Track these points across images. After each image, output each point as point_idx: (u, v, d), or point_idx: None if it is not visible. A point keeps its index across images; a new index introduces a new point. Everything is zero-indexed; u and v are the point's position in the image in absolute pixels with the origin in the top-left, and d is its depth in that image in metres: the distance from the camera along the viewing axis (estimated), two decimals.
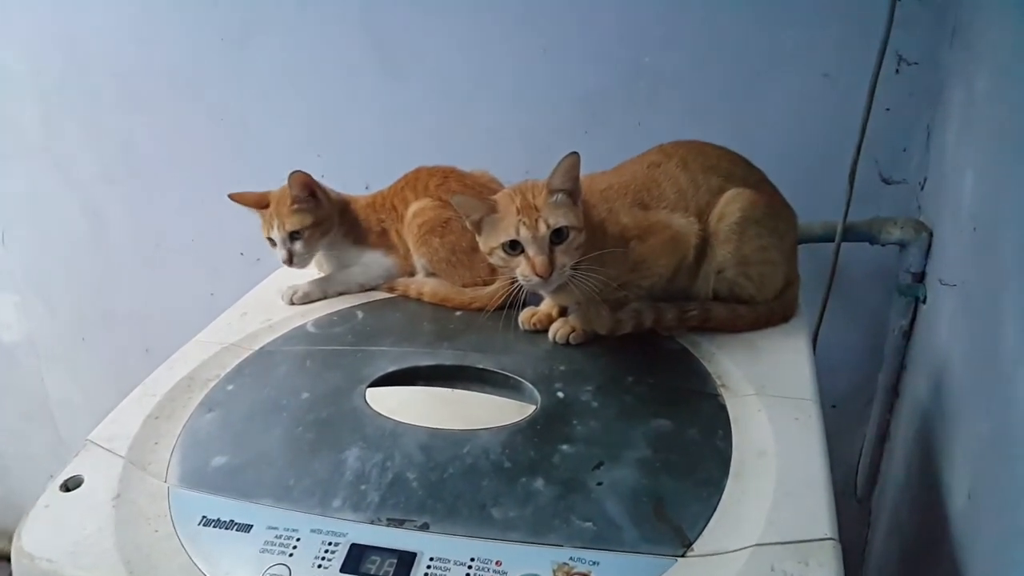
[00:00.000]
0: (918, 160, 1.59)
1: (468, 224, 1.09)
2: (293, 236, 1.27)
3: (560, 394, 1.03)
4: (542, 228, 1.02)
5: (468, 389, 1.06)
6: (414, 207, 1.30)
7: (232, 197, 1.28)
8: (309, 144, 1.95)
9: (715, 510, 0.84)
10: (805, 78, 1.61)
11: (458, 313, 1.27)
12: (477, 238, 1.10)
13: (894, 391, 1.73)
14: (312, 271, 1.40)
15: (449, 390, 1.05)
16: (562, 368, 1.09)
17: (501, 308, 1.24)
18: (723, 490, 0.88)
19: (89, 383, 2.47)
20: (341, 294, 1.34)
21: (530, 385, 1.05)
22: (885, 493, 1.79)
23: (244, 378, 1.10)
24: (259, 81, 1.91)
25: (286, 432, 0.98)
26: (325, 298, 1.32)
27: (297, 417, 1.00)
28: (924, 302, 1.56)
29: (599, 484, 0.88)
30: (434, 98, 1.82)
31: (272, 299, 1.32)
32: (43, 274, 2.32)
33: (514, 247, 1.04)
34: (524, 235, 1.02)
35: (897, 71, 1.50)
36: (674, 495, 0.87)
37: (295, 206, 1.27)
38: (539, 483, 0.88)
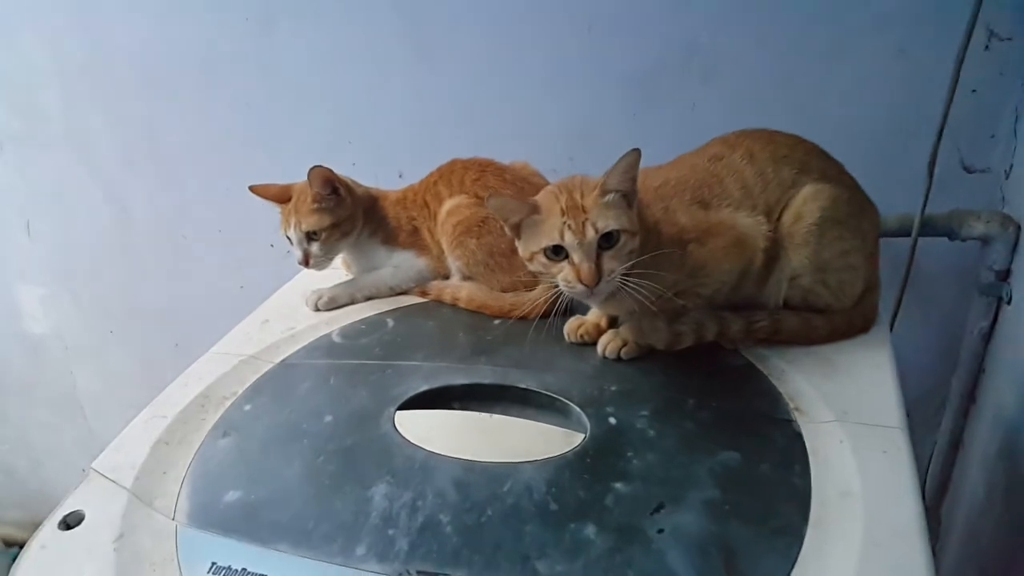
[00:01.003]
0: (1004, 146, 1.43)
1: (507, 228, 0.98)
2: (310, 237, 1.17)
3: (612, 420, 0.91)
4: (589, 232, 0.90)
5: (508, 414, 0.94)
6: (448, 204, 1.18)
7: (253, 190, 1.18)
8: (340, 131, 1.85)
9: (794, 565, 0.73)
10: (878, 55, 1.45)
11: (496, 321, 1.15)
12: (516, 243, 0.99)
13: (970, 397, 1.59)
14: (339, 272, 1.29)
15: (477, 414, 0.94)
16: (613, 388, 0.97)
17: (544, 316, 1.14)
18: (803, 539, 0.76)
19: (118, 377, 2.42)
20: (370, 298, 1.23)
21: (577, 409, 0.94)
22: (958, 506, 1.66)
23: (263, 397, 1.00)
24: (286, 65, 1.80)
25: (306, 463, 0.88)
26: (353, 303, 1.22)
27: (319, 445, 0.90)
28: (1009, 302, 1.41)
29: (660, 532, 0.77)
30: (469, 82, 1.71)
31: (296, 304, 1.22)
32: (69, 266, 2.27)
33: (557, 252, 0.93)
34: (569, 239, 0.90)
35: (987, 47, 1.33)
36: (747, 546, 0.75)
37: (315, 205, 1.17)
38: (590, 530, 0.77)
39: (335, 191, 1.19)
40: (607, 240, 0.91)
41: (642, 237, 0.94)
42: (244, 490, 0.85)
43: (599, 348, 1.04)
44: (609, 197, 0.91)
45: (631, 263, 0.92)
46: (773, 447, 0.88)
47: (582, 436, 0.89)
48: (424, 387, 0.99)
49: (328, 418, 0.94)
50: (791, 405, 0.95)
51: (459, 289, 1.20)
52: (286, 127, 1.87)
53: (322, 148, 1.86)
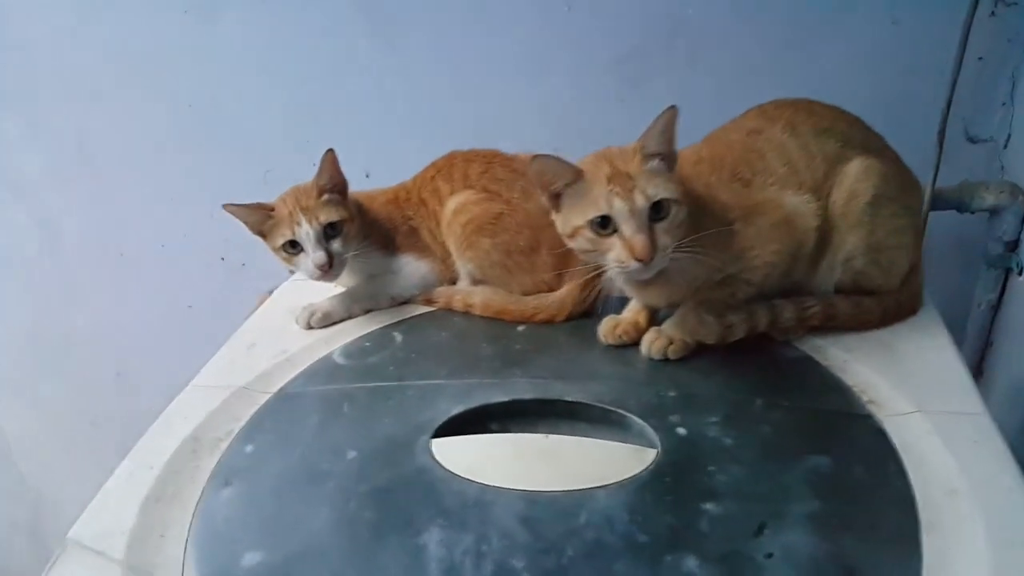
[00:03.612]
0: (1002, 115, 1.40)
1: (544, 198, 0.87)
2: (329, 234, 1.02)
3: (681, 430, 0.81)
4: (639, 200, 0.80)
5: (560, 432, 0.82)
6: (454, 202, 1.06)
7: (229, 209, 1.02)
8: (295, 130, 1.69)
9: None
10: (873, 25, 1.39)
11: (520, 328, 1.03)
12: (553, 216, 0.88)
13: (977, 369, 1.55)
14: (320, 287, 1.15)
15: (535, 436, 0.82)
16: (671, 394, 0.87)
17: (570, 318, 1.03)
18: (921, 548, 0.68)
19: (52, 414, 2.17)
20: (368, 311, 1.09)
21: (638, 420, 0.83)
22: None
23: (266, 435, 0.85)
24: (232, 60, 1.63)
25: (337, 510, 0.74)
26: (350, 317, 1.08)
27: (347, 487, 0.77)
28: (1020, 273, 1.37)
29: (769, 556, 0.67)
30: (439, 69, 1.57)
31: (283, 323, 1.07)
32: None
33: (605, 225, 0.82)
34: (618, 209, 0.80)
35: (993, 13, 1.29)
36: (865, 562, 0.66)
37: (326, 196, 1.03)
38: (691, 563, 0.66)
39: (343, 181, 1.05)
40: (657, 211, 0.81)
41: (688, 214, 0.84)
42: (266, 549, 0.71)
43: (644, 348, 0.93)
44: (652, 163, 0.82)
45: (681, 240, 0.82)
46: (859, 446, 0.80)
47: (652, 452, 0.78)
48: (457, 409, 0.86)
49: (351, 454, 0.81)
50: (864, 398, 0.87)
51: (471, 294, 1.07)
52: (233, 128, 1.70)
53: (276, 149, 1.70)
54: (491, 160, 1.08)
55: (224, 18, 1.59)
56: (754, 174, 0.91)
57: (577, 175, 0.83)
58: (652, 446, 0.79)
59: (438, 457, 0.79)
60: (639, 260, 0.80)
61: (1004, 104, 1.35)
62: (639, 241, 0.80)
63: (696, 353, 0.94)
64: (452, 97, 1.58)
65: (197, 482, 0.79)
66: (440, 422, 0.84)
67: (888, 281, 0.98)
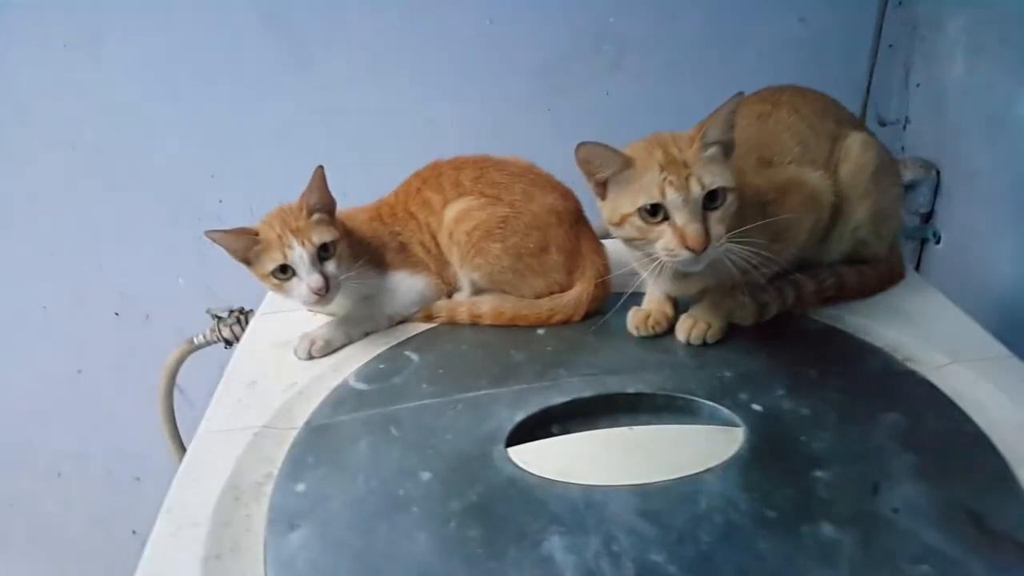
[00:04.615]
0: (899, 99, 1.53)
1: (590, 185, 0.84)
2: (323, 255, 0.93)
3: (756, 407, 0.79)
4: (694, 188, 0.78)
5: (636, 424, 0.79)
6: (453, 210, 1.00)
7: (211, 236, 0.91)
8: (198, 164, 1.58)
9: None
10: (781, 25, 1.49)
11: (540, 331, 0.98)
12: (599, 204, 0.85)
13: None
14: (291, 319, 1.05)
15: (617, 430, 0.78)
16: (727, 374, 0.85)
17: (587, 316, 1.00)
18: (1020, 483, 0.70)
19: None
20: (368, 334, 1.00)
21: (709, 403, 0.81)
22: None
23: (315, 470, 0.75)
24: (121, 93, 1.49)
25: (436, 534, 0.66)
26: (349, 343, 0.99)
27: (437, 509, 0.69)
28: (939, 242, 1.49)
29: (895, 511, 0.67)
30: (357, 89, 1.52)
31: (278, 357, 0.97)
32: None
33: (655, 212, 0.80)
34: (672, 197, 0.78)
35: (900, 2, 1.41)
36: (984, 504, 0.67)
37: (316, 216, 0.94)
38: (828, 530, 0.65)
39: (328, 202, 0.97)
40: (712, 199, 0.79)
41: None
42: None
43: (681, 335, 0.92)
44: (711, 151, 0.80)
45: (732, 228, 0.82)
46: (919, 401, 0.82)
47: (739, 431, 0.76)
48: (520, 415, 0.80)
49: (425, 475, 0.73)
50: (899, 356, 0.90)
51: (477, 304, 1.01)
52: (127, 167, 1.56)
53: (176, 185, 1.58)
54: (483, 165, 1.04)
55: (107, 49, 1.45)
56: (774, 155, 0.93)
57: (626, 162, 0.80)
58: (735, 425, 0.77)
59: (522, 464, 0.73)
60: (691, 250, 0.78)
61: (919, 86, 1.46)
62: (692, 230, 0.78)
63: (731, 336, 0.93)
64: (373, 119, 1.53)
65: (254, 532, 0.68)
66: (508, 430, 0.78)
67: (881, 249, 1.03)
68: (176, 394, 1.44)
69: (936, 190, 1.47)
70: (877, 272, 1.03)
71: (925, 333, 0.93)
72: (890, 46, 1.43)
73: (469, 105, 1.54)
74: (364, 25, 1.47)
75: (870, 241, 1.00)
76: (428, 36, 1.49)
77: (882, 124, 1.52)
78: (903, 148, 1.54)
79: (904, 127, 1.54)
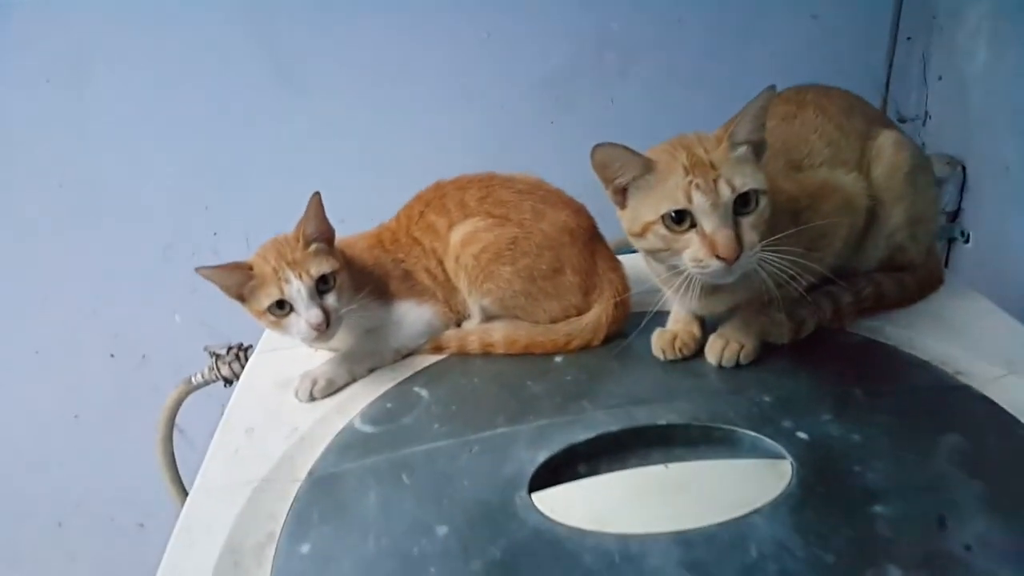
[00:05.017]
0: (917, 94, 1.47)
1: (608, 192, 0.78)
2: (322, 288, 0.87)
3: (802, 435, 0.72)
4: (724, 192, 0.71)
5: (673, 460, 0.72)
6: (458, 233, 0.94)
7: (203, 272, 0.85)
8: (191, 195, 1.53)
9: None
10: (793, 23, 1.43)
11: (557, 359, 0.92)
12: (619, 213, 0.79)
13: None
14: (300, 354, 0.99)
15: (650, 469, 0.71)
16: (767, 399, 0.78)
17: (607, 340, 0.93)
18: None
19: None
20: (372, 370, 0.94)
21: (750, 433, 0.74)
22: None
23: (319, 528, 0.69)
24: (107, 128, 1.44)
25: None
26: (353, 381, 0.92)
27: (456, 569, 0.62)
28: (967, 241, 1.42)
29: (967, 548, 0.59)
30: (354, 111, 1.47)
31: (277, 400, 0.90)
32: None
33: (681, 220, 0.73)
34: (699, 202, 0.71)
35: None
36: None
37: (314, 246, 0.88)
38: (895, 573, 0.57)
39: (327, 231, 0.91)
40: (743, 203, 0.73)
41: None
42: None
43: (712, 357, 0.85)
44: (740, 151, 0.74)
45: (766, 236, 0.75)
46: (977, 418, 0.76)
47: (786, 463, 0.69)
48: (543, 455, 0.73)
49: (442, 529, 0.66)
50: (949, 370, 0.83)
51: (488, 332, 0.94)
52: (116, 204, 1.50)
53: (169, 219, 1.53)
54: (488, 184, 0.97)
55: (92, 83, 1.41)
56: (803, 158, 0.87)
57: (647, 166, 0.74)
58: (780, 457, 0.70)
59: (548, 513, 0.66)
60: (722, 259, 0.71)
61: (941, 79, 1.40)
62: (723, 237, 0.71)
63: (766, 356, 0.86)
64: (371, 139, 1.48)
65: None
66: (530, 473, 0.71)
67: (919, 254, 0.96)
68: (177, 435, 1.37)
69: (962, 187, 1.40)
70: (916, 279, 0.96)
71: (974, 342, 0.86)
72: (908, 38, 1.36)
73: (471, 121, 1.49)
74: (357, 44, 1.43)
75: (907, 246, 0.93)
76: (425, 52, 1.44)
77: (901, 120, 1.46)
78: (924, 144, 1.48)
79: (924, 123, 1.48)
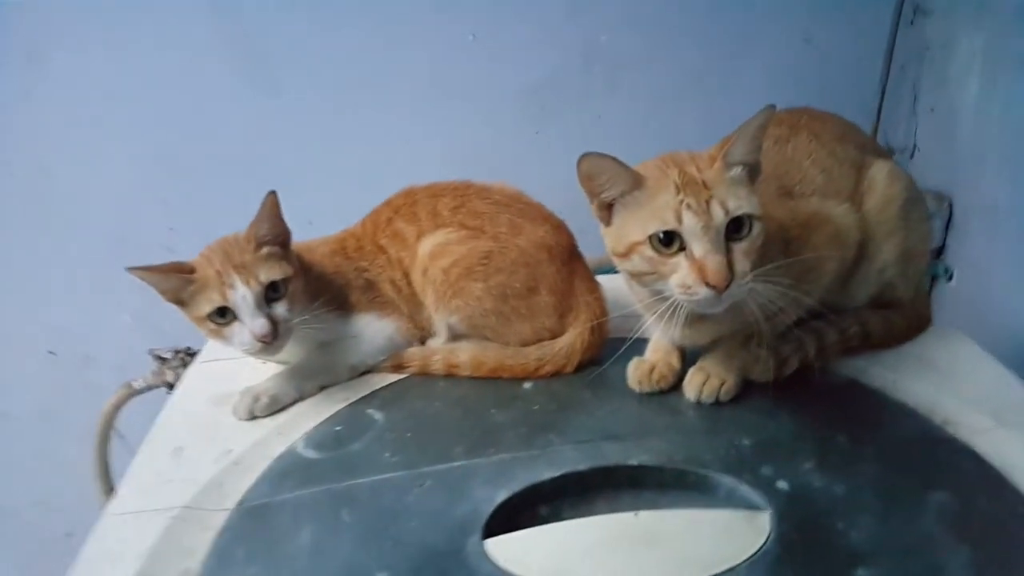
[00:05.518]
0: (906, 125, 1.43)
1: (593, 206, 0.72)
2: (270, 296, 0.80)
3: (782, 484, 0.67)
4: (717, 214, 0.66)
5: (642, 506, 0.66)
6: (428, 244, 0.88)
7: (136, 272, 0.77)
8: (148, 190, 1.44)
9: None
10: (786, 45, 1.40)
11: (526, 385, 0.85)
12: (603, 230, 0.73)
13: None
14: (249, 366, 0.91)
15: (618, 516, 0.64)
16: (746, 442, 0.73)
17: (580, 367, 0.87)
18: None
19: None
20: (324, 387, 0.87)
21: (728, 479, 0.68)
22: None
23: (243, 568, 0.62)
24: (64, 111, 1.36)
25: None
26: (301, 399, 0.85)
27: None
28: (950, 279, 1.39)
29: None
30: (326, 109, 1.40)
31: (213, 416, 0.83)
32: None
33: (669, 242, 0.67)
34: (690, 224, 0.66)
35: (912, 22, 1.31)
36: None
37: (266, 249, 0.80)
38: None
39: (282, 233, 0.83)
40: (736, 228, 0.68)
41: None
42: None
43: (691, 393, 0.79)
44: (735, 172, 0.69)
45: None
46: (966, 475, 0.72)
47: (764, 515, 0.64)
48: (501, 495, 0.66)
49: None
50: (937, 420, 0.79)
51: (455, 352, 0.88)
52: (64, 192, 1.41)
53: (121, 211, 1.44)
54: (464, 192, 0.91)
55: (50, 64, 1.32)
56: (794, 184, 0.82)
57: (637, 181, 0.69)
58: (757, 507, 0.65)
59: (503, 563, 0.59)
60: (712, 286, 0.66)
61: (933, 110, 1.37)
62: (714, 263, 0.66)
63: (747, 393, 0.81)
64: (347, 143, 1.42)
65: None
66: (486, 515, 0.64)
67: (908, 291, 0.92)
68: (118, 443, 1.29)
69: (948, 223, 1.37)
70: (904, 318, 0.91)
71: (961, 389, 0.82)
72: (901, 67, 1.33)
73: (449, 127, 1.44)
74: (332, 39, 1.36)
75: (897, 283, 0.89)
76: (405, 53, 1.38)
77: (889, 151, 1.42)
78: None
79: (912, 155, 1.44)
